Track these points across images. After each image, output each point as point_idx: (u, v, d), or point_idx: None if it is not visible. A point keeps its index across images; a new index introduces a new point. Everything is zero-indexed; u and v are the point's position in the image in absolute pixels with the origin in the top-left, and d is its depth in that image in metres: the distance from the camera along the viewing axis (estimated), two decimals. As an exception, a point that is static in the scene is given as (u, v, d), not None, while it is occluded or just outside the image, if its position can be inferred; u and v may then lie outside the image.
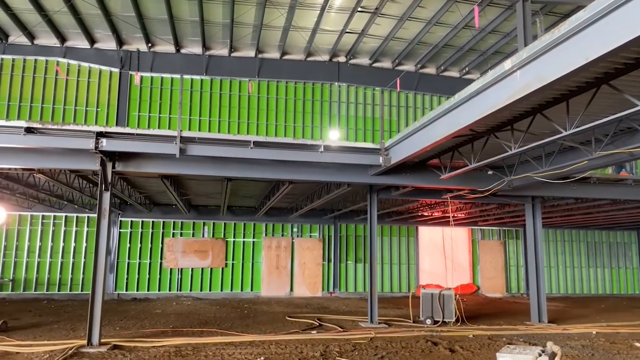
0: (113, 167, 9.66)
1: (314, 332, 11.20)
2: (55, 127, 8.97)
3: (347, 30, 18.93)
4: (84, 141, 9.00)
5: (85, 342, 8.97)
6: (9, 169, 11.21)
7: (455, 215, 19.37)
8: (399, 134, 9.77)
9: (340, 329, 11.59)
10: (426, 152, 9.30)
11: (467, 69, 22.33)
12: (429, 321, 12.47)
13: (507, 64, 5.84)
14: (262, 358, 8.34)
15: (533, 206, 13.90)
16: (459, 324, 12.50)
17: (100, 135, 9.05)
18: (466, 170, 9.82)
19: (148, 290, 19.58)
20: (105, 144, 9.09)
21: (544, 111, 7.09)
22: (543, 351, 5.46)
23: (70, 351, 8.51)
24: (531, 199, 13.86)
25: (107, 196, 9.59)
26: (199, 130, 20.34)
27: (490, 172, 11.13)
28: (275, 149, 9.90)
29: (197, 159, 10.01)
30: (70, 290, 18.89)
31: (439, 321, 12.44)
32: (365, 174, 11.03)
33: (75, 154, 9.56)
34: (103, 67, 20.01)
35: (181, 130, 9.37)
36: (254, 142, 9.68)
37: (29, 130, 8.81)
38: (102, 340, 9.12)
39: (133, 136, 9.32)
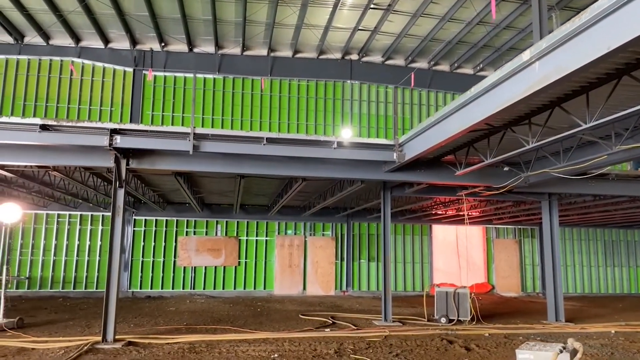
0: (127, 164, 9.69)
1: (328, 330, 11.14)
2: (69, 124, 9.02)
3: (360, 28, 18.84)
4: (98, 138, 9.04)
5: (100, 338, 9.02)
6: (25, 166, 11.32)
7: (470, 213, 19.16)
8: (413, 130, 9.66)
9: (354, 327, 11.51)
10: (441, 147, 9.20)
11: (481, 65, 22.09)
12: (443, 320, 12.33)
13: (526, 55, 5.71)
14: (276, 355, 8.30)
15: (550, 203, 13.65)
16: (474, 322, 12.34)
17: (114, 132, 9.08)
18: (482, 166, 9.69)
19: (162, 288, 19.69)
20: (119, 140, 9.11)
21: (563, 104, 6.94)
22: (564, 348, 5.32)
23: (86, 347, 8.55)
24: (548, 196, 13.61)
25: (121, 193, 9.63)
26: (212, 128, 20.36)
27: (506, 169, 10.99)
28: (288, 145, 9.84)
29: (211, 155, 10.01)
30: (85, 288, 19.07)
31: (453, 320, 12.30)
32: (379, 171, 10.94)
33: (89, 151, 9.61)
34: (117, 67, 20.17)
35: (194, 127, 9.38)
36: (267, 138, 9.65)
37: (44, 128, 8.86)
38: (117, 337, 9.16)
39: (147, 133, 9.33)
